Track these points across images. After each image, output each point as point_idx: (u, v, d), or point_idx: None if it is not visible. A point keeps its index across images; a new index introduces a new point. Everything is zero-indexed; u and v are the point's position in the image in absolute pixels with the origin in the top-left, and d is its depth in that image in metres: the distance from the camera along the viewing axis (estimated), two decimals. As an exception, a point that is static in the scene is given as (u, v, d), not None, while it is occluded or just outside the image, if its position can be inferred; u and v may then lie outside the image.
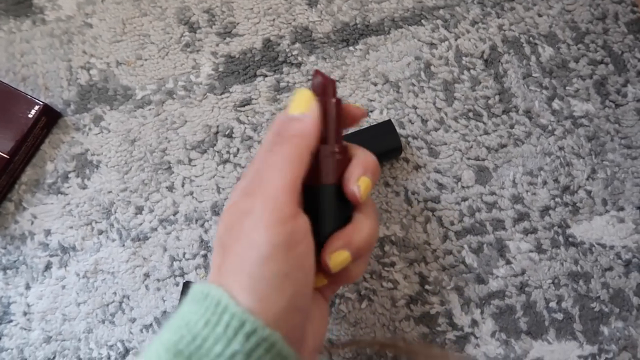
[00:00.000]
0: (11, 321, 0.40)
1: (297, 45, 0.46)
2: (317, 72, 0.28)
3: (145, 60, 0.46)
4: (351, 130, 0.43)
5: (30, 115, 0.42)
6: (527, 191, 0.41)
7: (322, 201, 0.27)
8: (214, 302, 0.22)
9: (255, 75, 0.45)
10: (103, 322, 0.40)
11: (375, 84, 0.44)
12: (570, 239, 0.40)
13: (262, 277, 0.23)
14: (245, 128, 0.44)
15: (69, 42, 0.47)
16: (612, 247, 0.39)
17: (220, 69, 0.46)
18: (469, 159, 0.42)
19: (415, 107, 0.44)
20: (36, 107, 0.43)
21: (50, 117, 0.44)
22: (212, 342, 0.21)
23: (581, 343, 0.38)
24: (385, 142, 0.40)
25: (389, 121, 0.40)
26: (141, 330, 0.39)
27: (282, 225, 0.23)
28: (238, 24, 0.47)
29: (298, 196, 0.25)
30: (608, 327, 0.38)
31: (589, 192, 0.41)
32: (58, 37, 0.47)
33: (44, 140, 0.44)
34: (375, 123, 0.42)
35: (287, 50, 0.46)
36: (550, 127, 0.42)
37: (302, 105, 0.27)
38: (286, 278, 0.23)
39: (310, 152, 0.26)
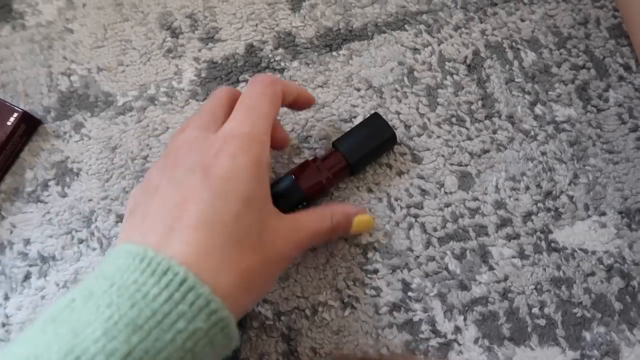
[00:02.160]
0: (-11, 332, 0.39)
1: (280, 50, 0.46)
2: None
3: (127, 66, 0.46)
4: (343, 129, 0.43)
5: (9, 123, 0.42)
6: (509, 197, 0.41)
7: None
8: (177, 280, 0.23)
9: (238, 81, 0.45)
10: (83, 332, 0.39)
11: (359, 90, 0.44)
12: (552, 245, 0.40)
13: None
14: (228, 134, 0.43)
15: (49, 47, 0.46)
16: (594, 253, 0.40)
17: (203, 75, 0.45)
18: (452, 164, 0.42)
19: (398, 113, 0.43)
20: (15, 114, 0.42)
21: (29, 124, 0.43)
22: (175, 318, 0.22)
23: (564, 349, 0.38)
24: (379, 134, 0.40)
25: (376, 114, 0.40)
26: (122, 340, 0.39)
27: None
28: (220, 29, 0.46)
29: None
30: (590, 333, 0.38)
31: (571, 197, 0.41)
32: (38, 42, 0.47)
33: (23, 147, 0.44)
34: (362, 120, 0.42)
35: (270, 55, 0.46)
36: (532, 133, 0.43)
37: None
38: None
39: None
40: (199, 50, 0.46)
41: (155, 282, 0.23)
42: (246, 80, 0.45)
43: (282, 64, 0.45)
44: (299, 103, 0.37)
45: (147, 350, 0.21)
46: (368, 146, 0.39)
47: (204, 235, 0.25)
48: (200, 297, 0.23)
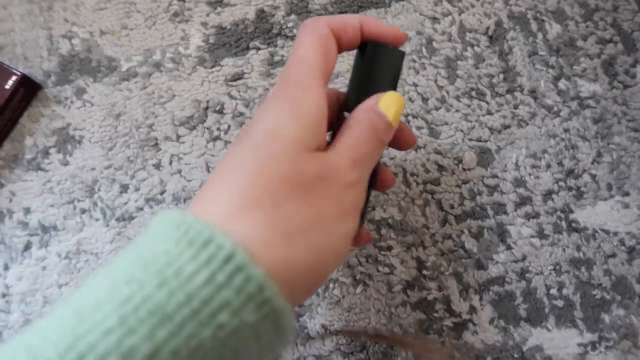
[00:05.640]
0: (-11, 303, 0.38)
1: (293, 16, 0.43)
2: None
3: (131, 29, 0.43)
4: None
5: (7, 87, 0.40)
6: (530, 174, 0.39)
7: None
8: (222, 257, 0.17)
9: (247, 48, 0.43)
10: (86, 304, 0.38)
11: (375, 60, 0.42)
12: (573, 225, 0.38)
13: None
14: (237, 104, 0.42)
15: (50, 9, 0.44)
16: (615, 233, 0.38)
17: (211, 41, 0.43)
18: (470, 140, 0.40)
19: (415, 85, 0.42)
20: (14, 78, 0.40)
21: (29, 89, 0.41)
22: (216, 308, 0.17)
23: (581, 331, 0.37)
24: (387, 63, 0.27)
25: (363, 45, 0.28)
26: (126, 314, 0.38)
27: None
28: (230, -7, 0.44)
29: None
30: (609, 315, 0.37)
31: (593, 177, 0.39)
32: (37, 3, 0.44)
33: (22, 113, 0.42)
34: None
35: (282, 22, 0.43)
36: (555, 108, 0.41)
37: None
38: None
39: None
40: (207, 15, 0.44)
41: (192, 255, 0.17)
42: (257, 48, 0.43)
43: (295, 31, 0.43)
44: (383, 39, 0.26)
45: (178, 350, 0.16)
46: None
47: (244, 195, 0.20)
48: (250, 281, 0.17)
